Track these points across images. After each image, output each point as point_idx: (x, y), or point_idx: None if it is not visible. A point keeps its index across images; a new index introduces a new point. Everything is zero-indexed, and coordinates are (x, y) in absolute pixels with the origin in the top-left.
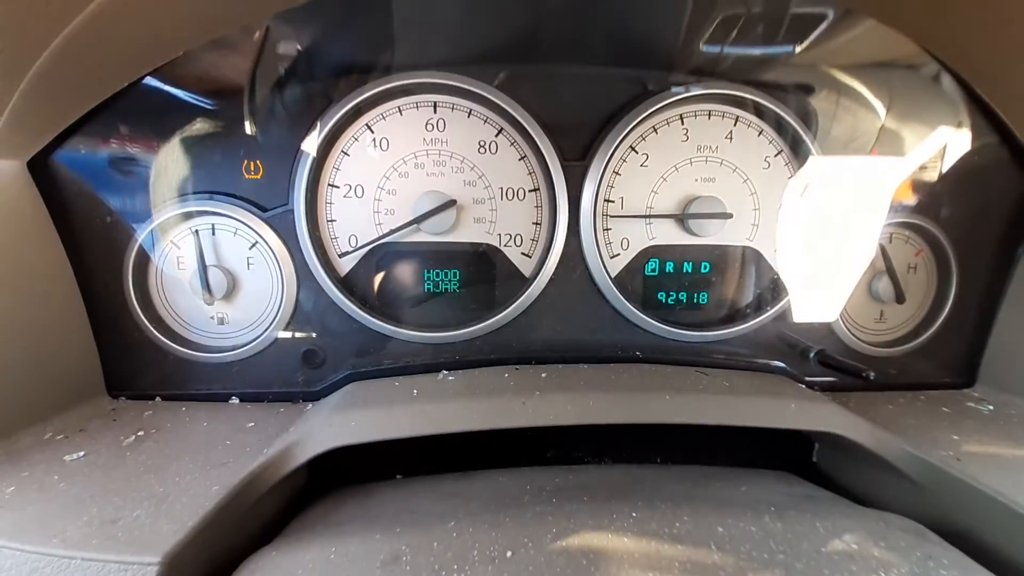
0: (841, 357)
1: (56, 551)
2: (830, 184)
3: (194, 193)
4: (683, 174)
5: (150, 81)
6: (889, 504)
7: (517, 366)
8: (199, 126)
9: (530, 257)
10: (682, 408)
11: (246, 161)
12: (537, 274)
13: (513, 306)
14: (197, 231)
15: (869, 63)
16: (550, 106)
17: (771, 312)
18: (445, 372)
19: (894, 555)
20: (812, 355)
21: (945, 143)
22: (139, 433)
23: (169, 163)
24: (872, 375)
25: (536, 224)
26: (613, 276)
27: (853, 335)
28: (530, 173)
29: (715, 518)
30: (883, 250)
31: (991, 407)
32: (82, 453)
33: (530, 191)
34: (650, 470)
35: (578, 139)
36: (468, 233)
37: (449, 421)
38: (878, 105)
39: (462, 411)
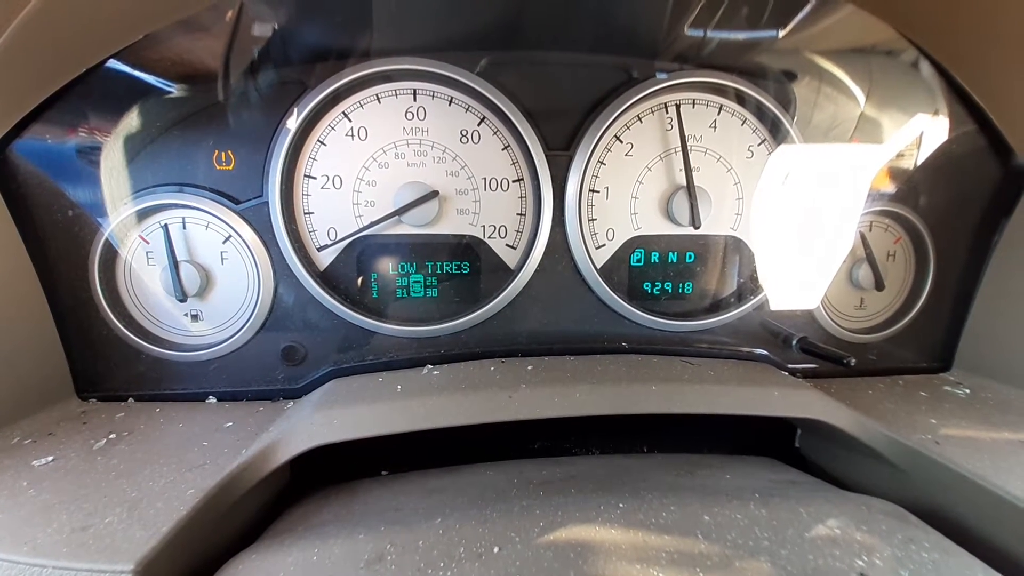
0: (822, 344)
1: (26, 559)
2: (811, 173)
3: (162, 185)
4: (668, 163)
5: (114, 65)
6: (871, 488)
7: (503, 359)
8: (166, 114)
9: (515, 248)
10: (667, 398)
11: (217, 151)
12: (522, 266)
13: (498, 298)
14: (167, 225)
15: (849, 48)
16: (533, 94)
17: (754, 301)
18: (430, 367)
19: (876, 539)
20: (794, 342)
21: (924, 131)
22: (110, 436)
23: (134, 153)
24: (852, 361)
25: (520, 215)
26: (599, 267)
27: (834, 322)
28: (514, 163)
29: (701, 507)
30: (863, 238)
31: (967, 390)
32: (51, 458)
33: (514, 181)
34: (636, 460)
35: (562, 128)
36: (451, 225)
37: (434, 417)
38: (858, 92)
39: (447, 406)
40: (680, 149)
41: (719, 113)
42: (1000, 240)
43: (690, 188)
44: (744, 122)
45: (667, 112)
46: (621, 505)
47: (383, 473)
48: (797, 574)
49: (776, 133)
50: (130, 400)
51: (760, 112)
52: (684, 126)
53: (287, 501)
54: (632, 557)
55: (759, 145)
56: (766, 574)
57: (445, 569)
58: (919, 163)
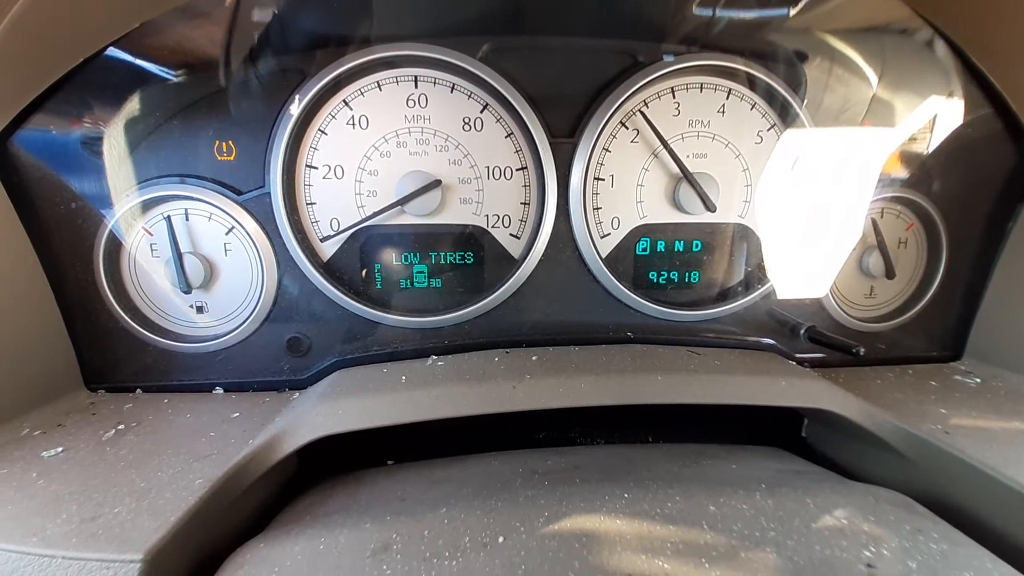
0: (831, 333)
1: (36, 550)
2: (822, 158)
3: (164, 176)
4: (674, 150)
5: (112, 54)
6: (878, 478)
7: (507, 350)
8: (167, 103)
9: (519, 238)
10: (673, 388)
11: (218, 142)
12: (526, 256)
13: (502, 289)
14: (169, 216)
15: (862, 27)
16: (537, 80)
17: (762, 290)
18: (434, 357)
19: (884, 529)
20: (802, 332)
21: (938, 114)
22: (119, 427)
23: (135, 144)
24: (861, 350)
25: (524, 204)
26: (604, 256)
27: (843, 311)
28: (517, 151)
29: (706, 497)
30: (874, 225)
31: (978, 380)
32: (60, 449)
33: (517, 170)
34: (642, 450)
35: (566, 115)
36: (454, 214)
37: (438, 407)
38: (870, 74)
39: (451, 397)
40: (682, 136)
41: (727, 97)
42: (1015, 226)
43: (688, 179)
44: (753, 106)
45: (674, 97)
46: (626, 495)
47: (389, 463)
48: (804, 565)
49: (786, 117)
50: (138, 391)
51: (770, 96)
52: (691, 112)
53: (294, 491)
54: (637, 547)
55: (768, 130)
56: (772, 565)
57: (450, 559)
58: (932, 147)
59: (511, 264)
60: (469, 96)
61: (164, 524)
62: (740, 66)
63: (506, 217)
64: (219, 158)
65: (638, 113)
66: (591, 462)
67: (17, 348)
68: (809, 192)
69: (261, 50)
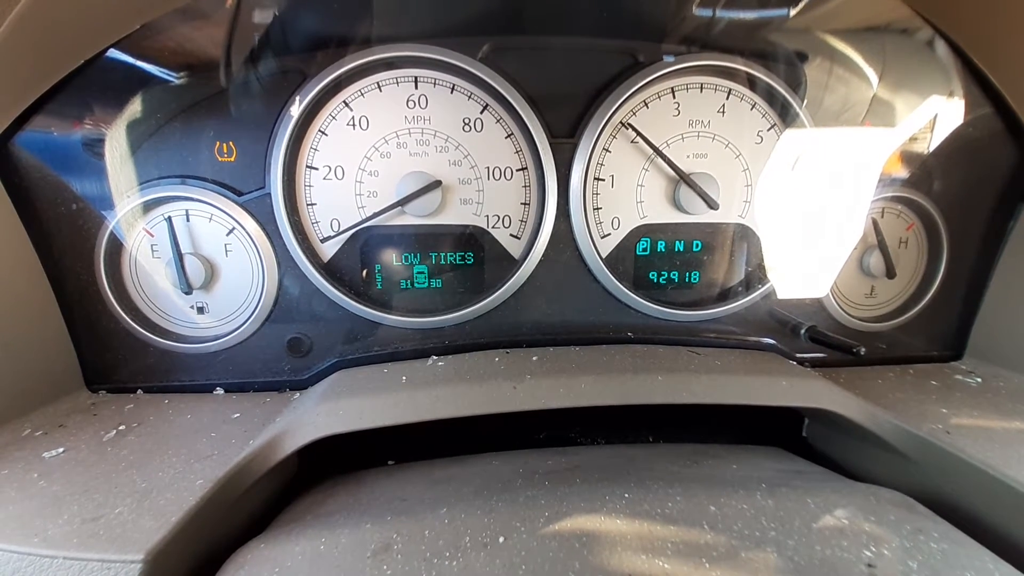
0: (831, 333)
1: (37, 551)
2: (822, 158)
3: (165, 177)
4: (674, 150)
5: (113, 55)
6: (879, 478)
7: (508, 350)
8: (168, 104)
9: (519, 238)
10: (674, 388)
11: (219, 143)
12: (526, 256)
13: (502, 289)
14: (170, 217)
15: (862, 27)
16: (537, 80)
17: (762, 290)
18: (435, 357)
19: (884, 529)
20: (803, 332)
21: (938, 114)
22: (120, 427)
23: (136, 145)
24: (862, 350)
25: (524, 204)
26: (604, 256)
27: (843, 311)
28: (517, 152)
29: (707, 497)
30: (875, 224)
31: (979, 379)
32: (61, 449)
33: (518, 170)
34: (642, 449)
35: (566, 115)
36: (455, 215)
37: (438, 408)
38: (871, 74)
39: (452, 397)
40: (682, 136)
41: (728, 97)
42: (1015, 226)
43: (686, 182)
44: (754, 107)
45: (674, 97)
46: (626, 495)
47: (389, 463)
48: (804, 565)
49: (786, 117)
50: (139, 392)
51: (770, 96)
52: (691, 112)
53: (294, 491)
54: (637, 547)
55: (769, 130)
56: (773, 565)
57: (451, 559)
58: (933, 147)
59: (511, 264)
60: (469, 97)
61: (165, 524)
62: (740, 66)
63: (506, 217)
64: (220, 159)
65: (629, 125)
66: (592, 462)
67: (18, 349)
68: (809, 192)
69: (262, 51)
